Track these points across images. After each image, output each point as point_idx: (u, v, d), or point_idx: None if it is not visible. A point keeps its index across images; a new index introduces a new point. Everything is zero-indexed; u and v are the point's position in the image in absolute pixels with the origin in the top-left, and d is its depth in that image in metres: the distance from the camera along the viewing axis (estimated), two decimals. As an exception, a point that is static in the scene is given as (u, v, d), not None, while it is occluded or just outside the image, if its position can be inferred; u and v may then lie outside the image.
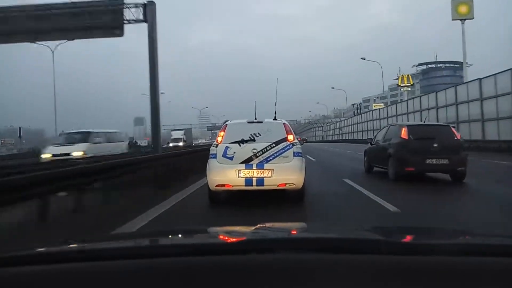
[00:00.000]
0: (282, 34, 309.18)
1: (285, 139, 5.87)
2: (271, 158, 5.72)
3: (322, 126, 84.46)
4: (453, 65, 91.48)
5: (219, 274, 0.86)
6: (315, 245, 1.03)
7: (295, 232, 1.48)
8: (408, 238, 1.36)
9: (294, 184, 5.67)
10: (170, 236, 1.46)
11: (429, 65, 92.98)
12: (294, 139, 5.97)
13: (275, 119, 6.44)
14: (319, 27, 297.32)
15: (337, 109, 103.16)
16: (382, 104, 66.62)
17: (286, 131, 5.99)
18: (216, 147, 5.92)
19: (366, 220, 4.93)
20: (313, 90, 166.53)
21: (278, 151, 5.78)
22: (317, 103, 74.83)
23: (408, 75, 53.55)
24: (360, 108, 75.06)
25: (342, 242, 1.10)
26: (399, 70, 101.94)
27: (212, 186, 5.80)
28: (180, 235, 1.49)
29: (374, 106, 70.04)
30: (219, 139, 6.00)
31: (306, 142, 12.22)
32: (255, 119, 6.34)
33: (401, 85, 51.59)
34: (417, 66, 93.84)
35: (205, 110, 78.14)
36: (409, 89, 53.98)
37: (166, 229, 2.77)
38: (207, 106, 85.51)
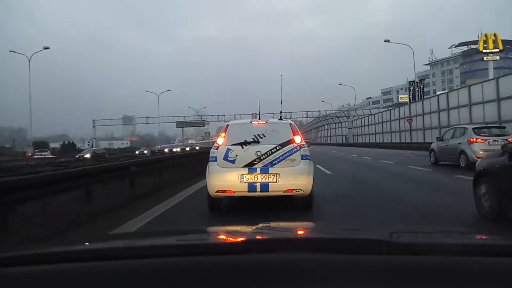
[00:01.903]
0: (284, 30, 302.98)
1: (292, 141, 5.85)
2: (276, 161, 5.67)
3: (345, 122, 63.11)
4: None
5: (219, 274, 0.94)
6: (315, 245, 1.11)
7: (295, 232, 1.57)
8: (408, 238, 1.46)
9: (301, 190, 5.62)
10: (170, 236, 1.59)
11: (472, 46, 75.25)
12: (301, 141, 5.95)
13: (280, 119, 6.44)
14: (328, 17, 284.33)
15: (343, 106, 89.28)
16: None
17: (293, 132, 5.96)
18: (217, 149, 5.90)
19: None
20: (321, 85, 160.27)
21: (284, 154, 5.71)
22: (340, 84, 60.63)
23: (495, 33, 38.22)
24: (421, 90, 39.19)
25: (342, 242, 1.19)
26: (431, 53, 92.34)
27: (212, 192, 5.74)
28: (180, 235, 1.61)
29: (401, 98, 62.98)
30: (220, 140, 5.97)
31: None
32: (259, 118, 6.33)
33: (485, 51, 37.62)
34: (455, 46, 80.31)
35: (166, 93, 69.58)
36: (497, 57, 39.64)
37: (166, 229, 2.84)
38: (169, 89, 75.89)
